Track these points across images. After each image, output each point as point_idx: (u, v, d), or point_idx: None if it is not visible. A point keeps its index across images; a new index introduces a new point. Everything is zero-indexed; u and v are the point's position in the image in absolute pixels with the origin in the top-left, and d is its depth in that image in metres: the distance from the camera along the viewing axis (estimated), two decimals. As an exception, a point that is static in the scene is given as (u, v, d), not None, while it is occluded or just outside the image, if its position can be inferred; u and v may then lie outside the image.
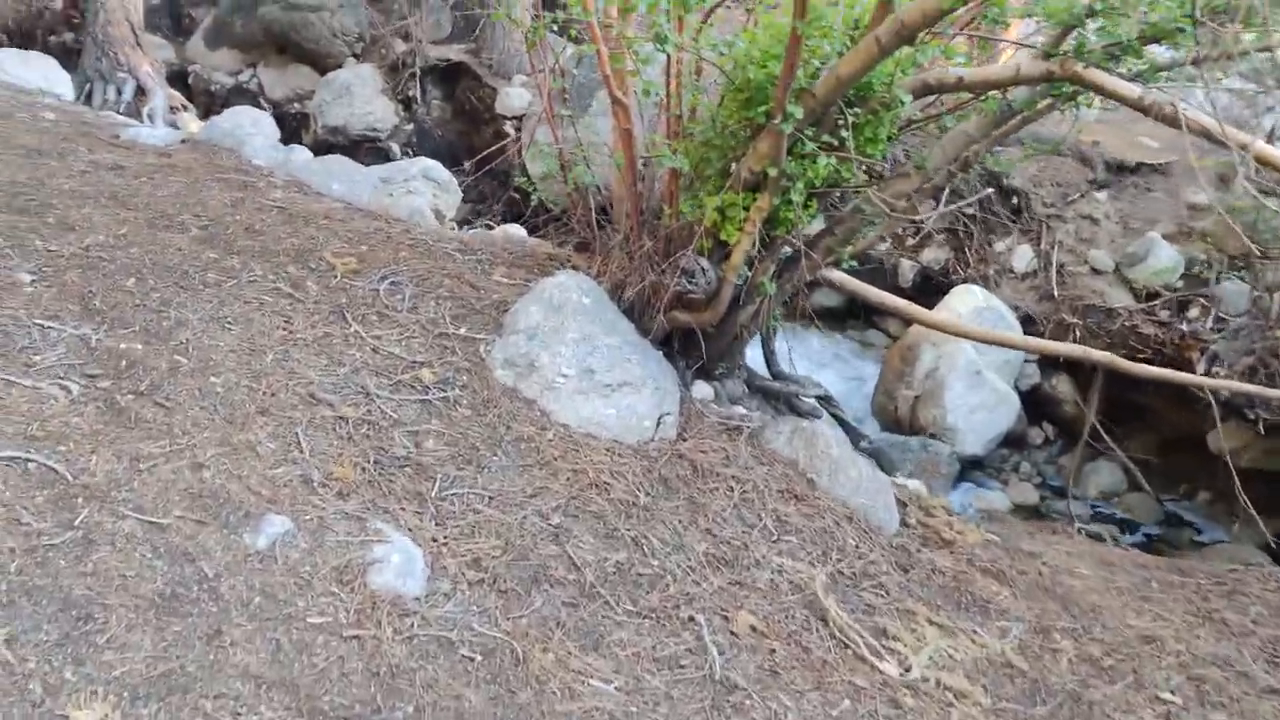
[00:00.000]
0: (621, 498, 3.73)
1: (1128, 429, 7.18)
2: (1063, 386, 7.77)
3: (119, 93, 9.59)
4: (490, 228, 8.02)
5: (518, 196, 12.20)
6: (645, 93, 4.39)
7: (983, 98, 4.13)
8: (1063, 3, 3.41)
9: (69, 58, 13.51)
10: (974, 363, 7.13)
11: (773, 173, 3.77)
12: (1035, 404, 7.86)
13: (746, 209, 4.05)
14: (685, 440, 4.20)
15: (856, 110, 3.89)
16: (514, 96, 11.63)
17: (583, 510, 3.63)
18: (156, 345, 3.68)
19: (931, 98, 4.37)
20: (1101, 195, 8.32)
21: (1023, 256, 8.33)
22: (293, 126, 13.01)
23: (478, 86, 12.17)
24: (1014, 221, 8.71)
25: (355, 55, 12.98)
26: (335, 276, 4.54)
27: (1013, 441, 7.67)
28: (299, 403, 3.54)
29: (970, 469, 7.47)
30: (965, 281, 8.31)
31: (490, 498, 3.51)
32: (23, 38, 14.12)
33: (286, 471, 3.28)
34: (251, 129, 6.24)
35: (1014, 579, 4.19)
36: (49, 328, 3.65)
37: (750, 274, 4.46)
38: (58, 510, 2.84)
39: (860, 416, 8.06)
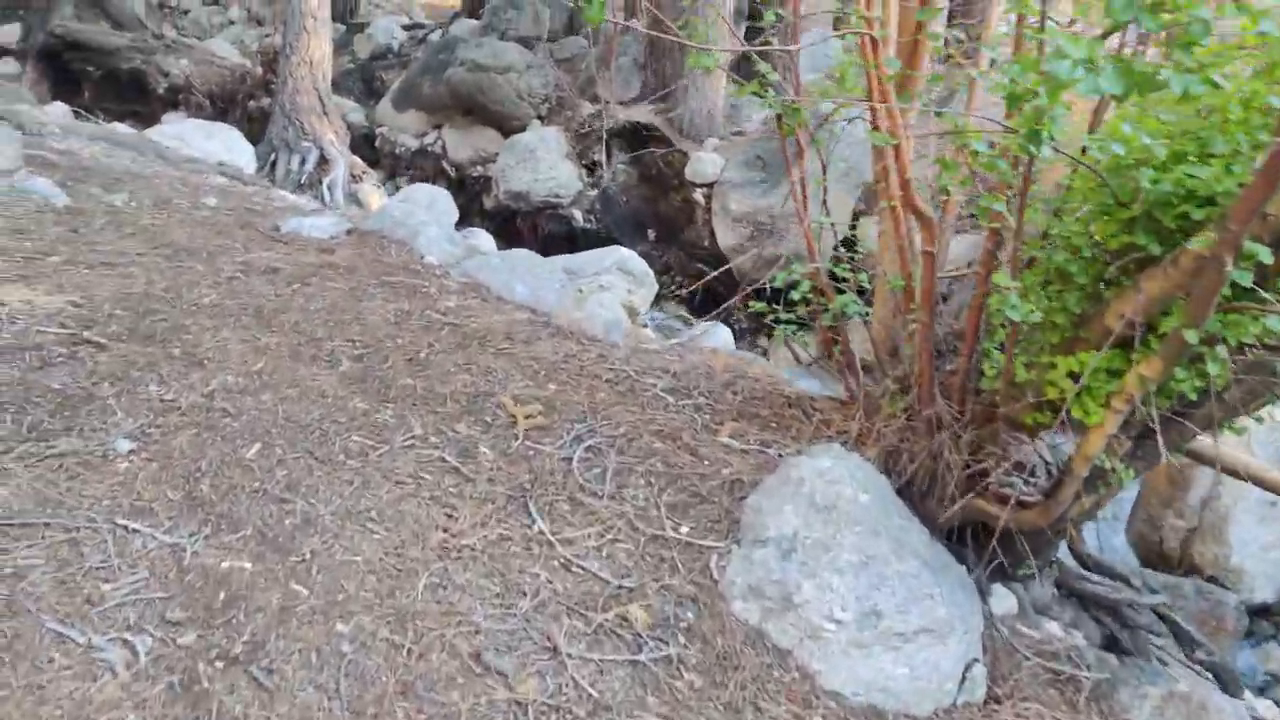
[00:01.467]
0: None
1: None
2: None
3: (302, 162, 8.86)
4: (689, 323, 6.78)
5: (705, 270, 10.99)
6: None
7: None
8: None
9: (265, 123, 13.14)
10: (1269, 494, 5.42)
11: (1191, 337, 2.32)
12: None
13: (1116, 374, 2.62)
14: (999, 702, 2.78)
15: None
16: (706, 163, 10.41)
17: None
18: (270, 563, 2.53)
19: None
20: None
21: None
22: (474, 190, 12.17)
23: (666, 150, 11.02)
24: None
25: (540, 118, 12.05)
26: (516, 435, 3.33)
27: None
28: (458, 672, 2.31)
29: (1257, 617, 5.76)
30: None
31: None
32: (225, 102, 13.87)
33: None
34: (425, 216, 5.17)
35: None
36: (133, 531, 2.55)
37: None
38: None
39: (1109, 545, 6.40)
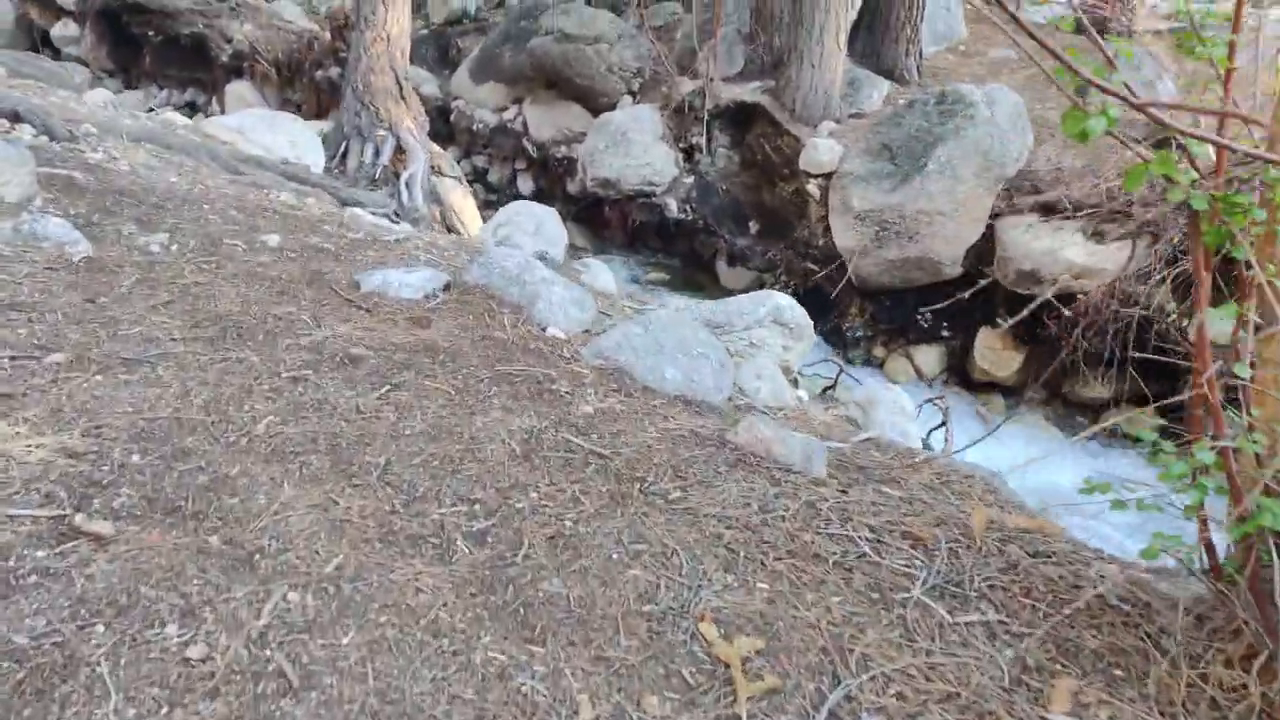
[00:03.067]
0: None
1: None
2: None
3: (376, 153, 7.55)
4: (838, 375, 5.39)
5: (814, 269, 9.55)
6: None
7: None
8: None
9: (334, 94, 11.82)
10: None
11: None
12: None
13: None
14: None
15: None
16: (822, 150, 8.91)
17: None
18: None
19: None
20: None
21: None
22: (557, 173, 10.80)
23: (775, 134, 9.52)
24: None
25: (632, 94, 10.59)
26: (736, 713, 2.04)
27: None
28: None
29: None
30: None
31: None
32: (291, 70, 12.55)
33: None
34: (544, 278, 3.81)
35: None
36: None
37: None
38: None
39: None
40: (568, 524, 2.57)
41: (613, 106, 10.64)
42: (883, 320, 9.14)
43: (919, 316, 9.02)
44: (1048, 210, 8.26)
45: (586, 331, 3.76)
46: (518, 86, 11.56)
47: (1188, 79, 9.69)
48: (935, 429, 5.09)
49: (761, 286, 9.81)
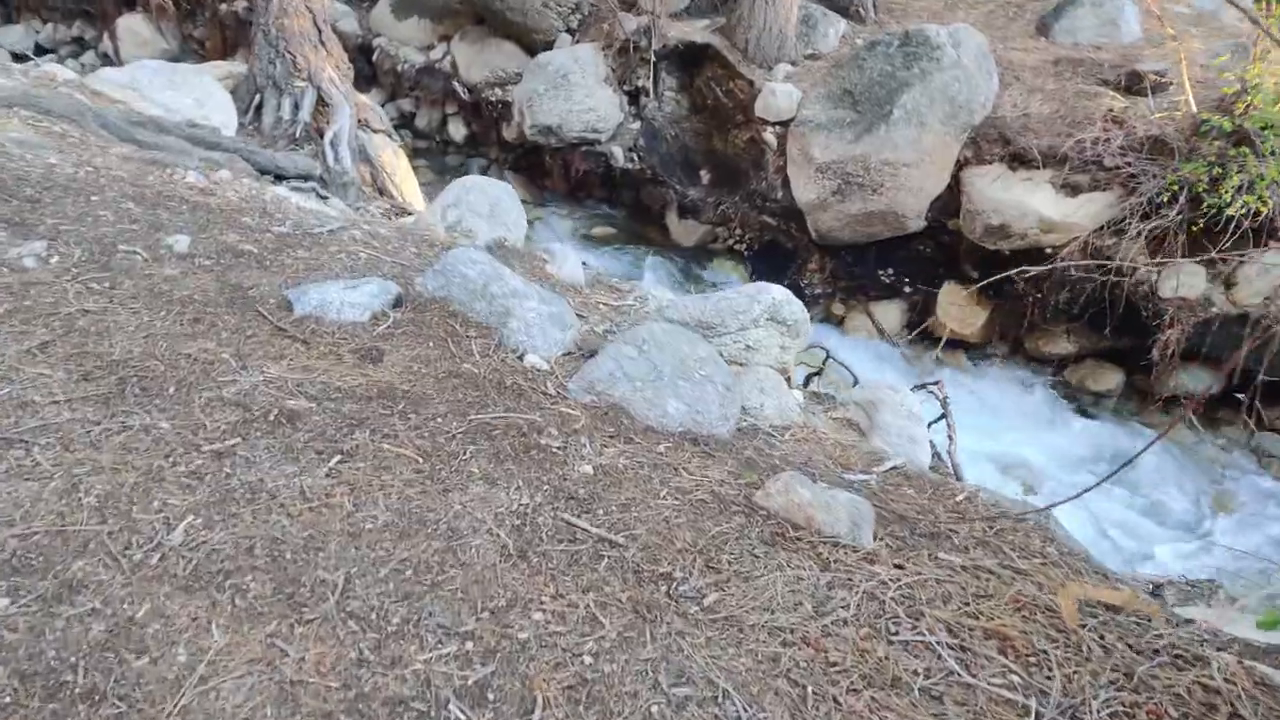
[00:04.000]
0: None
1: None
2: None
3: (295, 107, 6.65)
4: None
5: (771, 223, 8.92)
6: None
7: None
8: None
9: (241, 31, 10.66)
10: None
11: None
12: None
13: None
14: None
15: None
16: (779, 95, 8.24)
17: None
18: None
19: None
20: None
21: None
22: (491, 117, 9.92)
23: (727, 77, 8.80)
24: None
25: (571, 31, 9.72)
26: None
27: None
28: None
29: None
30: None
31: None
32: (191, 2, 11.33)
33: None
34: (515, 290, 3.10)
35: None
36: None
37: None
38: None
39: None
40: (586, 660, 1.96)
41: (550, 45, 9.77)
42: (843, 276, 8.62)
43: (881, 272, 8.52)
44: (1017, 160, 7.76)
45: (569, 354, 3.11)
46: (445, 23, 10.57)
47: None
48: (935, 421, 4.59)
49: (714, 241, 9.20)
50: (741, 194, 8.65)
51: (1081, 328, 7.92)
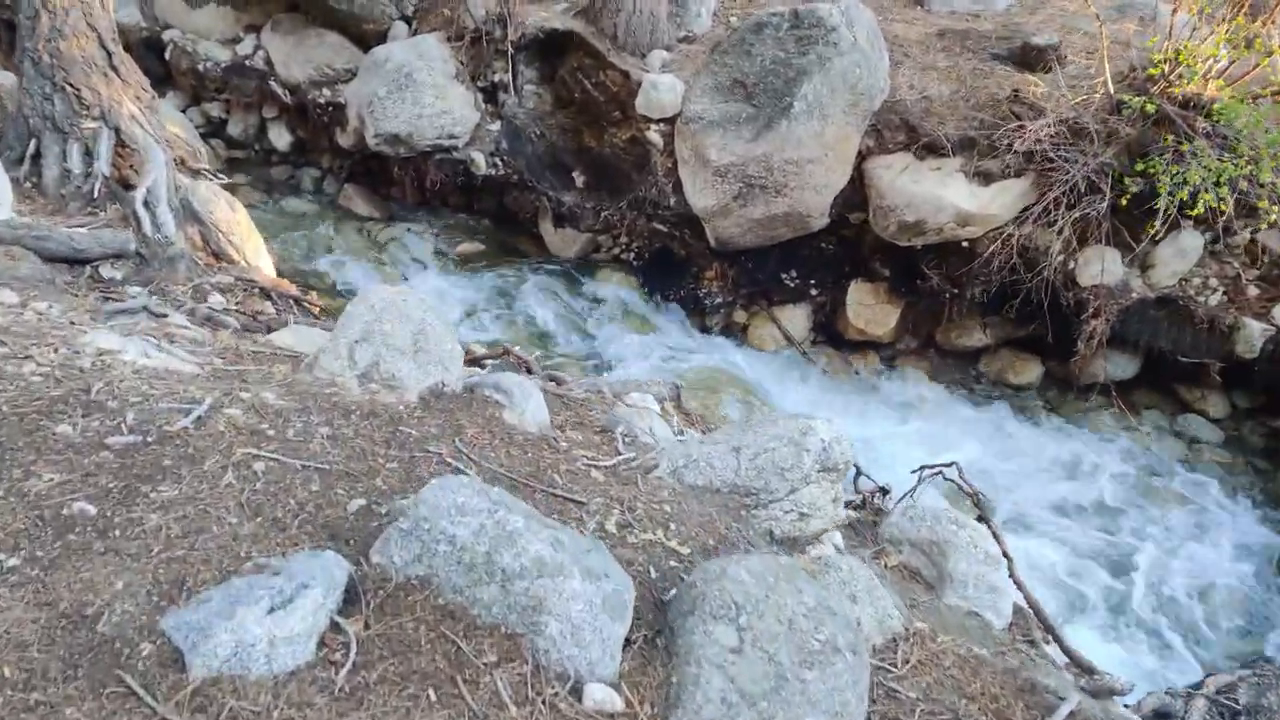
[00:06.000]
0: None
1: None
2: None
3: (88, 156, 5.03)
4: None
5: (663, 230, 7.82)
6: None
7: None
8: None
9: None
10: None
11: None
12: None
13: None
14: None
15: None
16: (662, 88, 7.14)
17: None
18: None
19: None
20: None
21: None
22: (321, 122, 8.33)
23: (596, 67, 7.59)
24: None
25: (407, 19, 8.22)
26: None
27: None
28: None
29: None
30: None
31: None
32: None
33: None
34: (542, 559, 1.90)
35: None
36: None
37: None
38: None
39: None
40: None
41: (383, 36, 8.24)
42: (743, 283, 7.70)
43: (784, 275, 7.65)
44: (923, 148, 7.00)
45: (626, 644, 2.00)
46: (250, 10, 8.79)
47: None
48: (977, 504, 3.74)
49: (597, 250, 8.08)
50: (628, 200, 7.52)
51: (997, 319, 7.36)
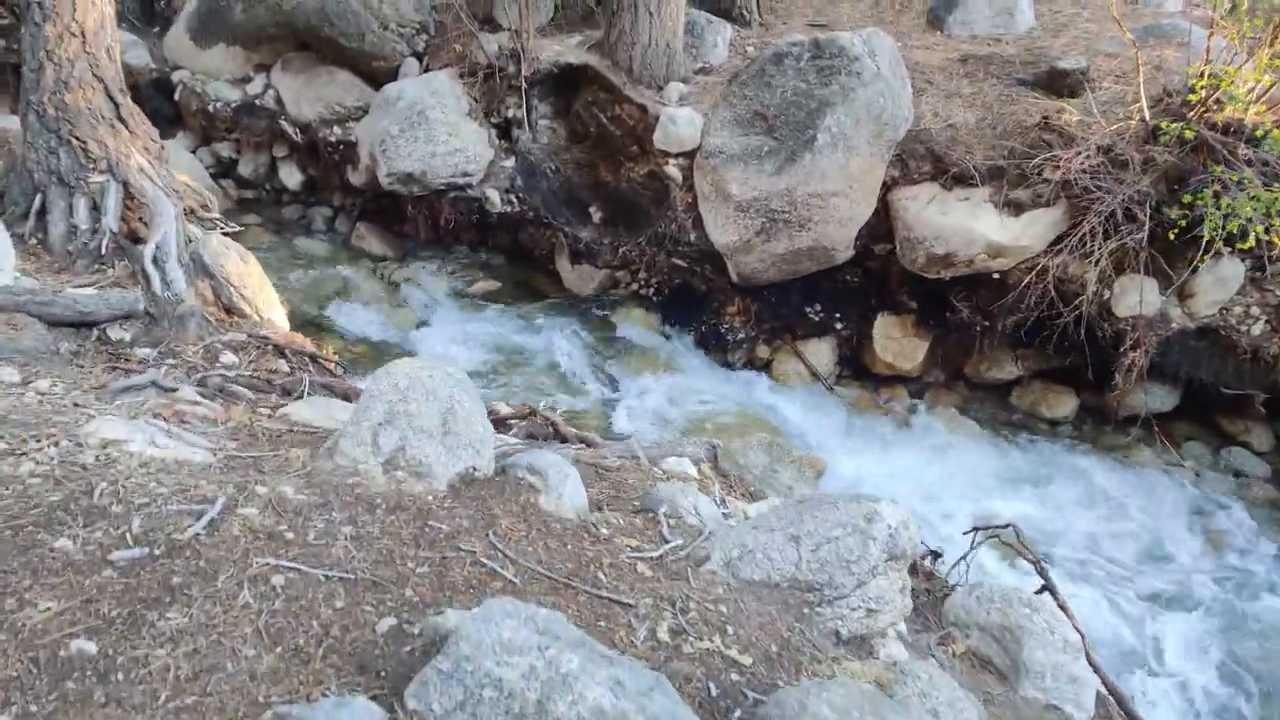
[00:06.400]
0: None
1: None
2: None
3: (96, 211, 4.84)
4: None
5: (683, 265, 7.60)
6: None
7: None
8: None
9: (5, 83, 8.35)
10: None
11: None
12: None
13: None
14: None
15: None
16: (680, 122, 6.93)
17: None
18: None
19: None
20: None
21: None
22: (332, 160, 8.15)
23: (611, 101, 7.40)
24: None
25: (418, 56, 8.05)
26: None
27: None
28: None
29: None
30: None
31: None
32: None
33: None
34: (607, 712, 1.71)
35: None
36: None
37: None
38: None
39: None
40: None
41: (394, 73, 8.07)
42: (766, 318, 7.47)
43: (808, 309, 7.42)
44: (951, 179, 6.77)
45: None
46: (260, 49, 8.64)
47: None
48: (1040, 590, 3.49)
49: (615, 286, 7.86)
50: (646, 235, 7.31)
51: (1028, 351, 7.10)
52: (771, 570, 2.48)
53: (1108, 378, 6.62)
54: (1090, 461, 6.70)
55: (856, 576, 2.47)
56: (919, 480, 6.43)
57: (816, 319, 7.35)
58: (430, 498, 2.61)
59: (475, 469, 2.72)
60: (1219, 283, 6.41)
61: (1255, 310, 6.48)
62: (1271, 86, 5.85)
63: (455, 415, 2.75)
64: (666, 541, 2.68)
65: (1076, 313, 6.41)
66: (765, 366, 7.50)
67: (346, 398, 4.39)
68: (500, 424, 4.06)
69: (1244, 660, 5.40)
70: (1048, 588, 3.39)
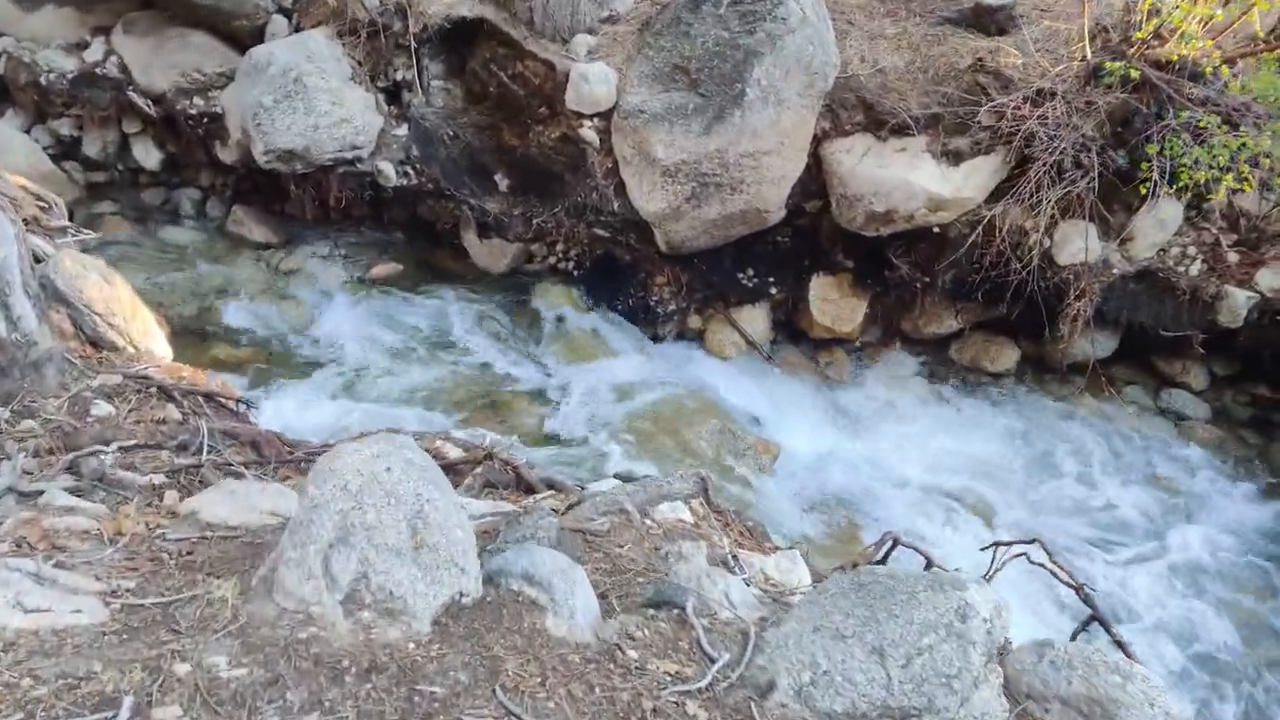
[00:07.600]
0: None
1: None
2: None
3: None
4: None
5: (605, 236, 6.90)
6: None
7: None
8: None
9: None
10: None
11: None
12: None
13: None
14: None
15: None
16: (594, 80, 6.22)
17: None
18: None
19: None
20: None
21: None
22: (195, 135, 7.10)
23: (512, 57, 6.58)
24: None
25: (285, 13, 7.02)
26: None
27: None
28: None
29: None
30: None
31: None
32: None
33: None
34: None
35: None
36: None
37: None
38: None
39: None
40: None
41: (259, 33, 7.01)
42: (697, 287, 6.91)
43: (740, 275, 6.89)
44: (885, 128, 6.28)
45: None
46: (95, 9, 7.40)
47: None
48: (1081, 628, 3.11)
49: (530, 260, 7.15)
50: (563, 205, 6.60)
51: (968, 304, 6.78)
52: (857, 698, 1.96)
53: (1047, 327, 6.36)
54: (1033, 412, 6.47)
55: (959, 694, 1.97)
56: (866, 446, 6.09)
57: (750, 285, 6.83)
58: (412, 645, 1.97)
59: (462, 594, 2.09)
60: (1158, 224, 6.16)
61: (1192, 250, 6.28)
62: (1213, 20, 5.53)
63: (428, 521, 2.10)
64: (710, 660, 2.12)
65: (1022, 263, 6.07)
66: (698, 337, 6.97)
67: (257, 447, 3.64)
68: (449, 470, 3.39)
69: (1203, 608, 5.28)
70: (1096, 618, 2.99)
